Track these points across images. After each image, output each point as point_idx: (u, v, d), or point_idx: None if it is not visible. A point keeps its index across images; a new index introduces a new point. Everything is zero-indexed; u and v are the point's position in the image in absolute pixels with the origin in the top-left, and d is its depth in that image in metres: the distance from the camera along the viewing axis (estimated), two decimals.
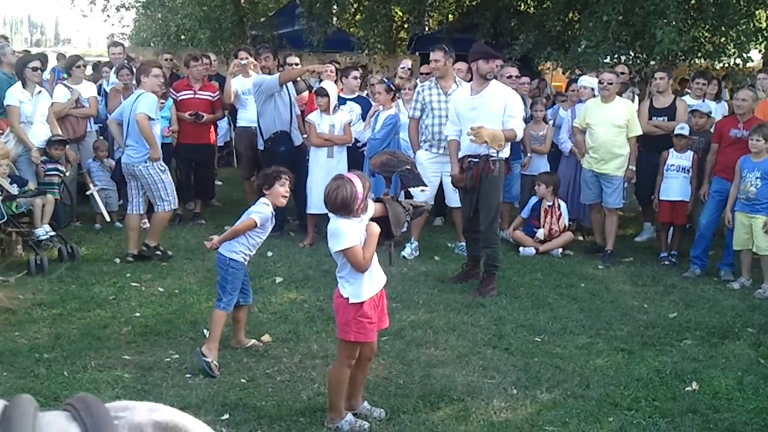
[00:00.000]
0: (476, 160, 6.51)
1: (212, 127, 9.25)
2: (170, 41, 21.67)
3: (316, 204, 7.98)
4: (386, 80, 8.41)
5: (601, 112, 7.71)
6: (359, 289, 3.92)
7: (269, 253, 7.62)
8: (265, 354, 5.08)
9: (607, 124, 7.66)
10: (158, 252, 7.33)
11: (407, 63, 9.55)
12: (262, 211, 4.83)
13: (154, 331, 5.45)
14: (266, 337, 5.32)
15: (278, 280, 6.76)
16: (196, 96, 8.84)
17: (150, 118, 6.96)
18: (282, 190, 4.88)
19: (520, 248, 8.03)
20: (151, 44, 24.11)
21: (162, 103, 8.47)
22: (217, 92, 9.06)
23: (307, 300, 6.25)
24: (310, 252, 7.75)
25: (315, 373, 4.80)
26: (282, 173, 4.90)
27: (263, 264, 7.24)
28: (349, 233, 3.85)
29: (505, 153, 6.65)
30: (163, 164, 7.27)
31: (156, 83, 7.24)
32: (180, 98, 8.84)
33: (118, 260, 7.24)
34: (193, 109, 8.69)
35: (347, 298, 3.93)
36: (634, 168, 7.82)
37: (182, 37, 22.06)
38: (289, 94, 8.33)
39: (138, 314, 5.77)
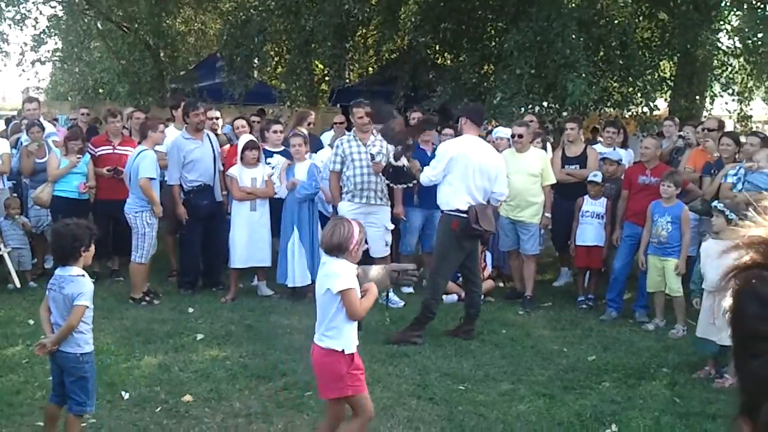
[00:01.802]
0: None
1: None
2: (88, 95, 21.40)
3: (240, 258, 7.94)
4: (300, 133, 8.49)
5: (516, 161, 7.93)
6: (350, 339, 3.84)
7: (190, 309, 7.50)
8: (185, 415, 4.96)
9: (522, 173, 7.88)
10: (146, 300, 7.73)
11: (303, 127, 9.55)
12: (85, 290, 4.23)
13: None
14: (187, 397, 5.20)
15: (199, 337, 6.64)
16: (116, 151, 8.71)
17: (151, 179, 7.60)
18: (93, 247, 4.37)
19: (444, 296, 8.08)
20: (69, 98, 23.73)
21: (78, 158, 8.35)
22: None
23: (229, 357, 6.14)
24: (232, 307, 7.66)
25: None
26: (93, 228, 4.44)
27: (184, 320, 7.13)
28: (347, 274, 3.80)
29: (447, 205, 6.69)
30: (153, 218, 7.72)
31: (161, 138, 7.92)
32: (98, 153, 8.69)
33: (31, 321, 6.99)
34: (112, 164, 8.55)
35: (342, 351, 3.82)
36: (549, 215, 8.07)
37: (100, 90, 21.80)
38: (213, 148, 8.31)
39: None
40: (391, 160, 7.40)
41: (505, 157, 8.16)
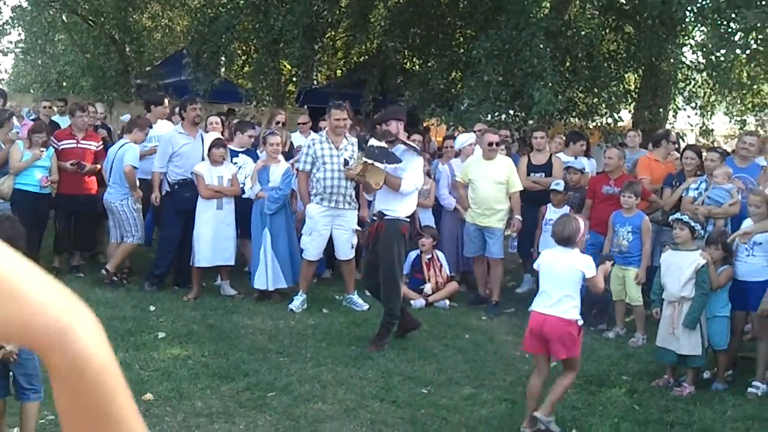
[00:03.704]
0: (375, 218, 6.69)
1: (94, 177, 8.90)
2: (51, 88, 21.08)
3: (204, 257, 7.84)
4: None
5: (482, 168, 7.97)
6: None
7: (152, 308, 7.41)
8: (146, 414, 4.90)
9: (489, 180, 7.91)
10: (115, 278, 8.13)
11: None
12: None
13: None
14: (148, 396, 5.14)
15: (161, 335, 6.56)
16: (79, 145, 8.57)
17: (134, 167, 8.07)
18: None
19: (411, 301, 8.08)
20: (31, 90, 23.36)
21: (42, 151, 8.20)
22: (101, 143, 8.87)
23: (191, 356, 6.08)
24: (194, 306, 7.58)
25: None
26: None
27: (145, 319, 7.04)
28: (592, 263, 4.84)
29: (400, 212, 6.61)
30: (137, 203, 8.13)
31: (141, 137, 8.36)
32: (62, 147, 8.53)
33: None
34: (76, 158, 8.42)
35: (576, 321, 4.76)
36: (519, 218, 8.04)
37: (64, 84, 21.51)
38: (203, 143, 8.21)
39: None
40: (373, 142, 6.87)
41: (470, 164, 8.22)
